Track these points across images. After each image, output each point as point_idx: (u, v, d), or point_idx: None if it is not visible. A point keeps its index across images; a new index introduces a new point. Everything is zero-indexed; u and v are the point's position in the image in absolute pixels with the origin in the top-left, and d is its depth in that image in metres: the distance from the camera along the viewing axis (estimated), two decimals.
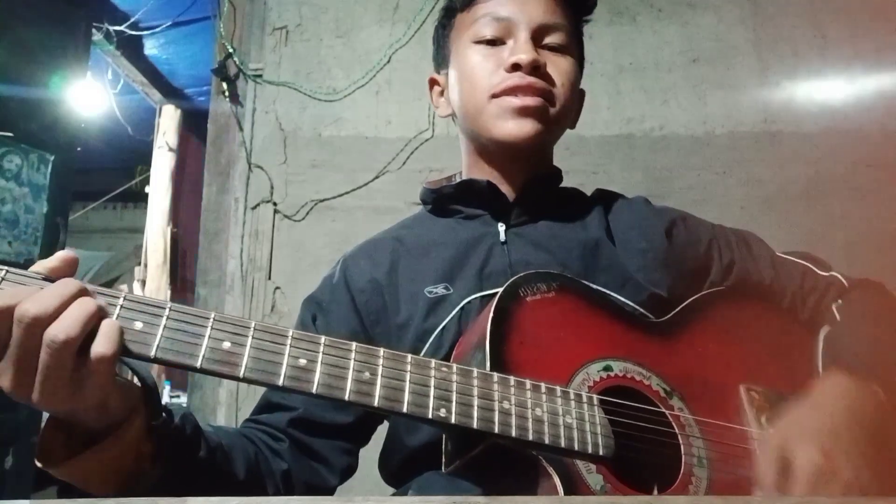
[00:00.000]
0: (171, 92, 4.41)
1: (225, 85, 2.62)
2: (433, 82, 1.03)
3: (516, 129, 0.87)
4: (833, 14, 2.37)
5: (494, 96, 0.88)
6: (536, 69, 0.87)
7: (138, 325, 0.55)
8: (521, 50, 0.87)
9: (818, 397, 0.68)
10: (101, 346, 0.51)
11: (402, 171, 2.44)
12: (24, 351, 0.50)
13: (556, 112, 0.89)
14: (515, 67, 0.87)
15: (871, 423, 0.65)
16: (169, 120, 4.64)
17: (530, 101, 0.87)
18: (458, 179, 1.00)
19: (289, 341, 0.58)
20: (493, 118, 0.88)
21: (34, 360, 0.50)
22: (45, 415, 0.58)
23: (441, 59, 1.02)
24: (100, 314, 0.53)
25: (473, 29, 0.92)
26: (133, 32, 3.53)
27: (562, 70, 0.91)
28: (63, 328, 0.50)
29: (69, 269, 0.56)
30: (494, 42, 0.91)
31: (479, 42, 0.91)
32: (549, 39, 0.91)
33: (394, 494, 0.84)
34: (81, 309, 0.51)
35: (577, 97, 0.97)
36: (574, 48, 0.95)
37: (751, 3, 2.44)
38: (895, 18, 2.32)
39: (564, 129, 0.96)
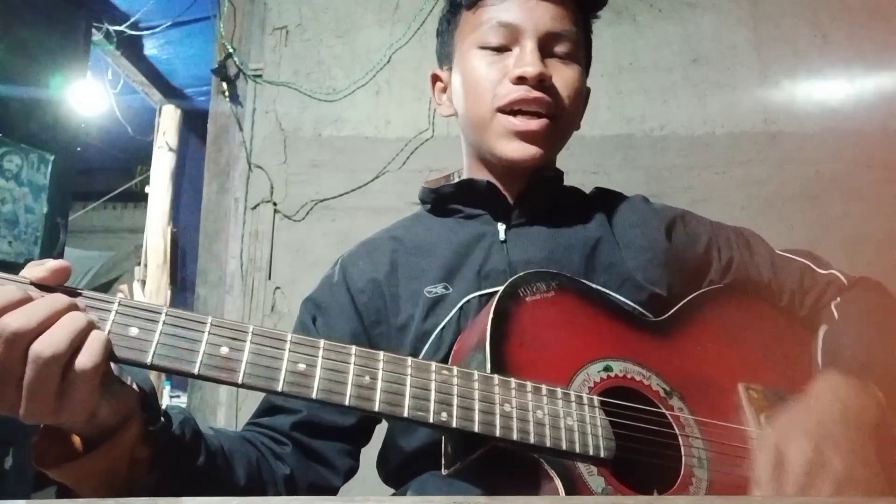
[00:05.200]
0: (171, 92, 4.40)
1: (225, 85, 2.62)
2: (435, 78, 1.00)
3: (518, 151, 0.86)
4: (833, 14, 2.37)
5: (500, 110, 0.86)
6: (542, 82, 0.84)
7: (133, 332, 0.53)
8: (527, 62, 0.84)
9: (814, 396, 0.69)
10: (84, 359, 0.50)
11: (401, 171, 2.44)
12: (4, 365, 0.48)
13: (561, 128, 0.88)
14: (521, 80, 0.84)
15: (868, 422, 0.65)
16: (169, 120, 4.63)
17: (534, 124, 0.85)
18: (457, 178, 0.99)
19: (287, 346, 0.57)
20: (497, 136, 0.87)
21: (15, 374, 0.49)
22: None
23: (444, 55, 0.98)
24: (89, 328, 0.51)
25: (478, 33, 0.89)
26: (133, 32, 3.52)
27: (568, 82, 0.88)
28: (50, 343, 0.49)
29: (58, 280, 0.54)
30: (500, 49, 0.87)
31: (483, 48, 0.88)
32: (556, 48, 0.88)
33: (393, 495, 0.84)
34: (70, 324, 0.50)
35: (582, 102, 0.94)
36: (581, 54, 0.92)
37: (751, 3, 2.44)
38: (895, 18, 2.32)
39: (569, 138, 0.95)
